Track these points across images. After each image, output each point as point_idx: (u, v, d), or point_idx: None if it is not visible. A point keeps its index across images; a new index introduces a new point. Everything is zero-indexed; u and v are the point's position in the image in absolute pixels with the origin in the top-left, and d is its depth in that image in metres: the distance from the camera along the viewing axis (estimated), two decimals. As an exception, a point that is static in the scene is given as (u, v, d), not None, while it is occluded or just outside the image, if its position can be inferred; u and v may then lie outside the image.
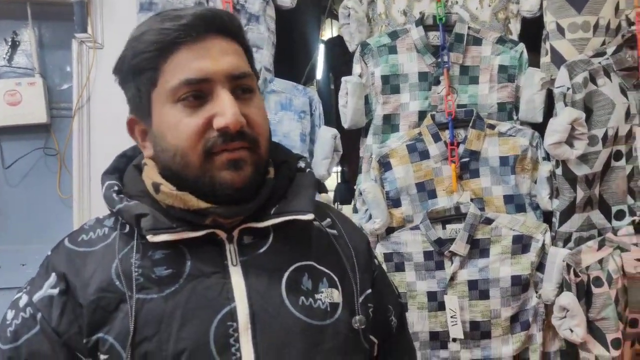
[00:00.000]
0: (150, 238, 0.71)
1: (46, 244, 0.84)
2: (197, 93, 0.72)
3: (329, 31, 2.56)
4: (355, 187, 1.58)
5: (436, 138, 1.50)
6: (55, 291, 0.72)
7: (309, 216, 0.76)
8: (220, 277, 0.72)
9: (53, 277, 0.74)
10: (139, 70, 0.75)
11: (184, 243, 0.73)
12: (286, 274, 0.75)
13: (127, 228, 0.76)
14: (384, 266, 1.42)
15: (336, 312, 0.76)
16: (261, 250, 0.76)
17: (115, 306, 0.71)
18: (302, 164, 0.86)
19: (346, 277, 0.80)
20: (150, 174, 0.77)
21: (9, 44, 1.72)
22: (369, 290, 0.83)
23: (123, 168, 0.83)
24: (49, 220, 1.62)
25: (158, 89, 0.74)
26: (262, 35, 1.56)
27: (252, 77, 0.77)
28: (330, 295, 0.77)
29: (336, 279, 0.79)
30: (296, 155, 0.88)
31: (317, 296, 0.76)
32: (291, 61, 1.88)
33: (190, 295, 0.71)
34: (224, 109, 0.71)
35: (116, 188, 0.78)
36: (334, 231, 0.85)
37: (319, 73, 2.21)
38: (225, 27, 0.75)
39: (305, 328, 0.73)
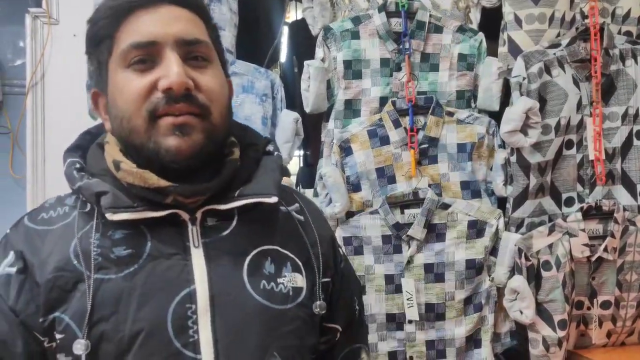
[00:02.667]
0: (110, 216, 0.70)
1: (-2, 224, 0.82)
2: (145, 57, 0.72)
3: (293, 13, 2.54)
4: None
5: (396, 124, 1.52)
6: (13, 270, 0.71)
7: (273, 199, 0.75)
8: (181, 259, 0.72)
9: (11, 256, 0.72)
10: (97, 40, 0.75)
11: (146, 224, 0.72)
12: (249, 257, 0.75)
13: (88, 207, 0.75)
14: (344, 250, 1.44)
15: (299, 296, 0.77)
16: (224, 233, 0.75)
17: (73, 285, 0.70)
18: (270, 147, 0.85)
19: (310, 263, 0.81)
20: (112, 152, 0.76)
21: (-43, 16, 1.64)
22: (329, 279, 0.84)
23: (86, 146, 0.81)
24: (1, 200, 1.57)
25: (113, 57, 0.73)
26: (224, 16, 1.54)
27: (207, 45, 0.75)
28: (293, 279, 0.77)
29: (300, 263, 0.80)
30: (265, 139, 0.87)
31: (280, 280, 0.76)
32: (254, 43, 1.86)
33: (148, 276, 0.70)
34: (168, 70, 0.70)
35: (78, 166, 0.77)
36: (301, 217, 0.85)
37: (283, 56, 2.19)
38: None
39: (265, 311, 0.73)
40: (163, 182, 0.71)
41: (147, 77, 0.71)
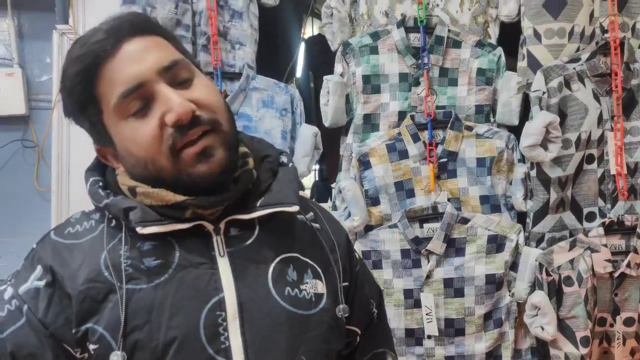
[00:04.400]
0: (140, 230, 0.72)
1: (23, 237, 0.83)
2: (138, 100, 0.72)
3: (309, 29, 2.58)
4: (333, 185, 1.60)
5: (415, 138, 1.53)
6: (42, 283, 0.73)
7: (294, 208, 0.77)
8: (209, 268, 0.73)
9: (39, 270, 0.74)
10: (79, 107, 0.75)
11: (173, 235, 0.74)
12: (272, 265, 0.77)
13: (114, 222, 0.76)
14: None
15: (320, 302, 0.78)
16: (248, 242, 0.77)
17: (104, 296, 0.71)
18: (284, 159, 0.87)
19: (329, 269, 0.82)
20: (124, 181, 0.77)
21: (-12, 33, 1.70)
22: (346, 284, 0.85)
23: (104, 165, 0.82)
24: (26, 213, 1.60)
25: (105, 114, 0.74)
26: (245, 32, 1.57)
27: (184, 62, 0.75)
28: (314, 286, 0.79)
29: (320, 270, 0.81)
30: (278, 150, 0.88)
31: (302, 287, 0.77)
32: (273, 58, 1.88)
33: (179, 285, 0.72)
34: (169, 104, 0.70)
35: (101, 184, 0.79)
36: (317, 225, 0.86)
37: (299, 71, 2.22)
38: (134, 27, 0.74)
39: (291, 317, 0.75)
40: (179, 197, 0.73)
41: (151, 118, 0.72)
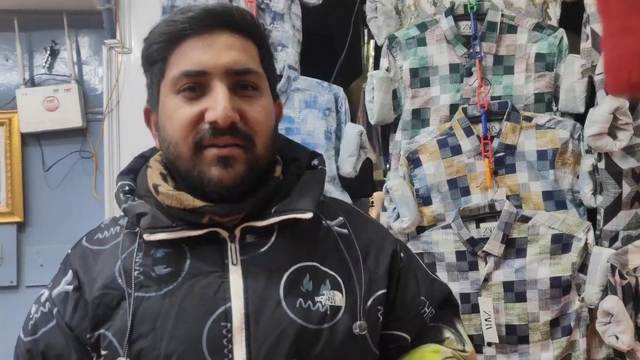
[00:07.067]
0: (147, 237, 0.72)
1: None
2: (194, 85, 0.72)
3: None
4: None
5: (468, 132, 1.43)
6: (70, 287, 0.75)
7: (308, 215, 0.74)
8: (219, 276, 0.72)
9: (70, 274, 0.76)
10: (151, 61, 0.77)
11: (187, 242, 0.73)
12: (286, 274, 0.73)
13: (135, 227, 0.77)
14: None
15: (336, 315, 0.74)
16: (262, 250, 0.74)
17: (117, 303, 0.72)
18: (315, 162, 0.84)
19: (351, 280, 0.77)
20: (152, 176, 0.78)
21: (49, 52, 1.79)
22: (382, 291, 0.80)
23: (138, 168, 0.84)
24: (86, 222, 1.68)
25: (164, 80, 0.75)
26: (286, 34, 1.54)
27: (257, 74, 0.75)
28: (332, 297, 0.74)
29: (340, 280, 0.76)
30: (310, 153, 0.86)
31: (317, 298, 0.73)
32: (330, 58, 1.85)
33: (186, 294, 0.71)
34: (216, 103, 0.71)
35: (127, 188, 0.80)
36: (344, 231, 0.82)
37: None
38: (234, 23, 0.74)
39: (300, 331, 0.71)
40: (198, 203, 0.72)
41: (195, 106, 0.72)
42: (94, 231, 0.82)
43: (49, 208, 1.80)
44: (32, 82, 1.81)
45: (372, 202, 1.59)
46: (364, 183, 1.73)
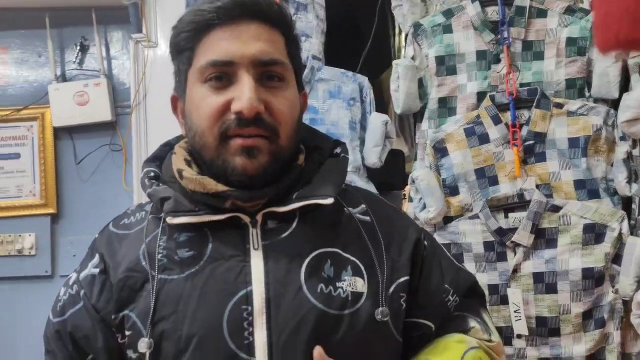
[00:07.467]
0: (170, 220, 0.73)
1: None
2: (221, 75, 0.73)
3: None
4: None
5: (496, 120, 1.40)
6: (97, 270, 0.77)
7: (329, 200, 0.74)
8: (240, 261, 0.72)
9: (96, 258, 0.78)
10: (178, 49, 0.78)
11: (209, 227, 0.74)
12: (307, 260, 0.74)
13: (157, 212, 0.78)
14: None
15: (358, 302, 0.74)
16: (284, 235, 0.75)
17: (141, 285, 0.73)
18: (337, 150, 0.84)
19: (373, 267, 0.77)
20: (177, 162, 0.79)
21: (79, 48, 1.83)
22: (405, 278, 0.79)
23: (164, 156, 0.85)
24: (115, 211, 1.73)
25: (192, 69, 0.76)
26: (310, 24, 1.54)
27: (284, 65, 0.76)
28: (353, 283, 0.74)
29: (362, 267, 0.76)
30: (333, 141, 0.86)
31: (339, 284, 0.73)
32: (356, 48, 1.84)
33: (208, 278, 0.72)
34: (242, 94, 0.71)
35: (152, 174, 0.81)
36: (367, 218, 0.82)
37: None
38: (262, 13, 0.75)
39: (321, 316, 0.71)
40: (221, 187, 0.73)
41: (222, 96, 0.73)
42: (120, 216, 0.84)
43: (80, 200, 1.85)
44: (63, 78, 1.86)
45: (405, 195, 1.58)
46: (395, 176, 1.71)
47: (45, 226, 1.87)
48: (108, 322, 0.74)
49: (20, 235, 1.87)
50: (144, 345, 0.70)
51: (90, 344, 0.75)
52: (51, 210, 1.86)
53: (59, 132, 1.88)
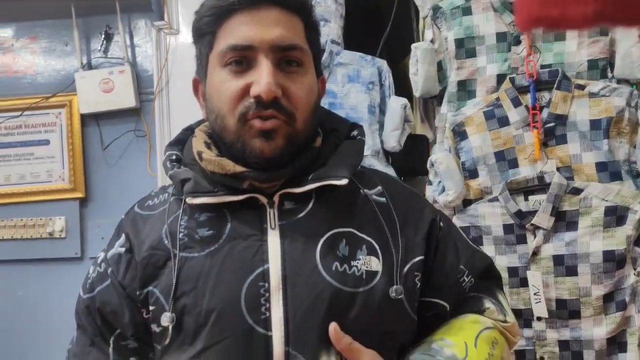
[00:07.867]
0: (190, 200, 0.76)
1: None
2: (241, 59, 0.75)
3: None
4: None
5: (516, 103, 1.39)
6: (123, 249, 0.80)
7: (344, 181, 0.76)
8: (257, 240, 0.75)
9: (122, 237, 0.82)
10: (200, 33, 0.80)
11: (228, 207, 0.77)
12: (323, 239, 0.76)
13: (180, 194, 0.81)
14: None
15: (373, 280, 0.75)
16: (300, 215, 0.77)
17: (163, 263, 0.77)
18: (354, 132, 0.86)
19: (388, 247, 0.78)
20: (197, 145, 0.82)
21: (103, 36, 1.87)
22: (419, 257, 0.80)
23: (185, 139, 0.88)
24: (141, 196, 1.78)
25: (212, 53, 0.78)
26: (329, 8, 1.54)
27: (302, 50, 0.77)
28: (368, 262, 0.76)
29: (377, 247, 0.78)
30: (350, 124, 0.87)
31: (354, 263, 0.75)
32: (377, 33, 1.83)
33: (227, 255, 0.75)
34: (260, 78, 0.73)
35: (174, 157, 0.84)
36: (382, 199, 0.83)
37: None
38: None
39: (336, 293, 0.73)
40: (239, 168, 0.76)
41: (241, 79, 0.75)
42: (144, 198, 0.88)
43: (107, 184, 1.90)
44: (89, 66, 1.91)
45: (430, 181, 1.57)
46: (420, 161, 1.71)
47: (74, 210, 1.93)
48: (134, 298, 0.78)
49: (50, 219, 1.93)
50: (166, 319, 0.73)
51: (117, 319, 0.79)
52: (79, 195, 1.92)
53: (86, 118, 1.93)
